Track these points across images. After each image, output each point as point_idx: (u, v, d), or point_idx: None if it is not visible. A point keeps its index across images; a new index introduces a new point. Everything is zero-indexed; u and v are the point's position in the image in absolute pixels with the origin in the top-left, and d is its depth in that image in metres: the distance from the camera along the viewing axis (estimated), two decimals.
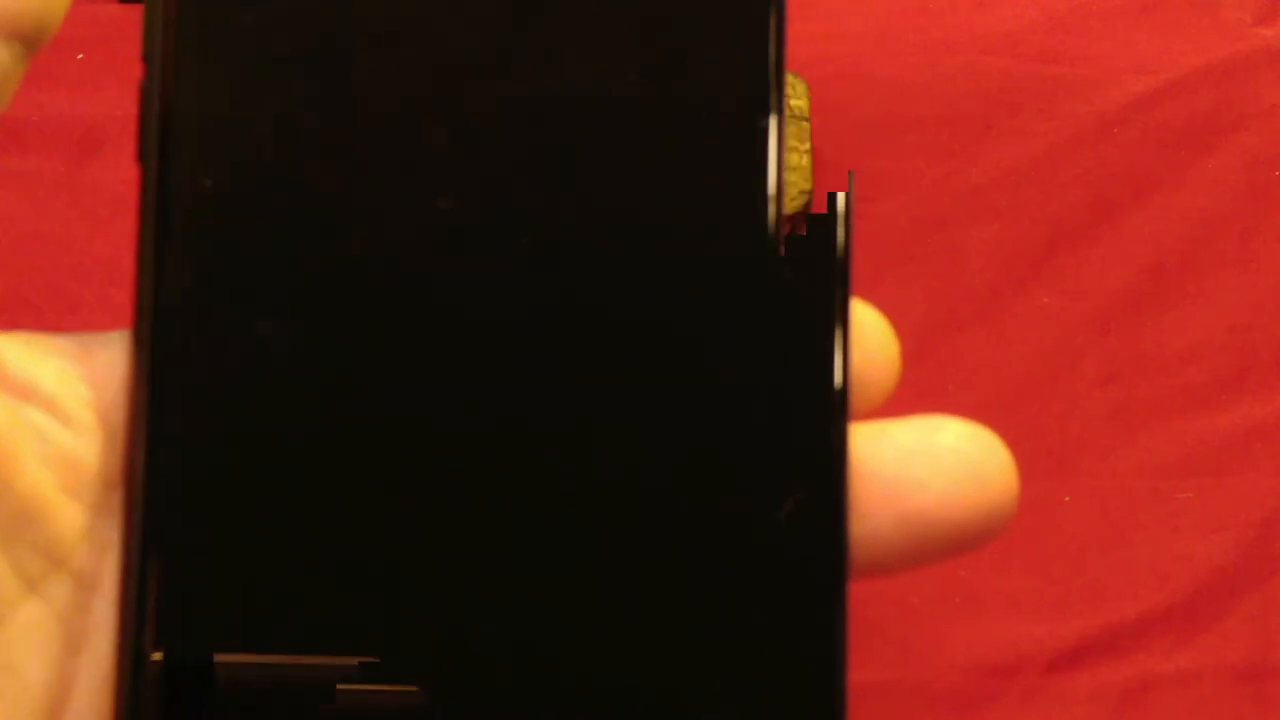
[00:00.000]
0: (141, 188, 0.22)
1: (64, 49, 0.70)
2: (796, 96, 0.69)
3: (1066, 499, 0.61)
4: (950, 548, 0.23)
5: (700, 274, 0.23)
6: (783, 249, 0.23)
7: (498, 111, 0.22)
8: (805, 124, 0.68)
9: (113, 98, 0.66)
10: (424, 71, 0.22)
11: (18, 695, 0.21)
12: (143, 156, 0.22)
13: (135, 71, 0.22)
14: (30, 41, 0.22)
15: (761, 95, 0.23)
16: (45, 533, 0.21)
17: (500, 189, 0.22)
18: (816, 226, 0.22)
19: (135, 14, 0.23)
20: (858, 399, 0.23)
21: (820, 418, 0.22)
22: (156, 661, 0.21)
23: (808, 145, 0.67)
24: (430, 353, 0.22)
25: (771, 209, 0.22)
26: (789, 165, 0.67)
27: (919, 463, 0.23)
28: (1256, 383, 0.64)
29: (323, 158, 0.22)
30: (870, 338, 0.23)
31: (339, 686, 0.22)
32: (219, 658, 0.22)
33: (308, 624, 0.22)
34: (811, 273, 0.22)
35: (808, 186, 0.66)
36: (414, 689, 0.22)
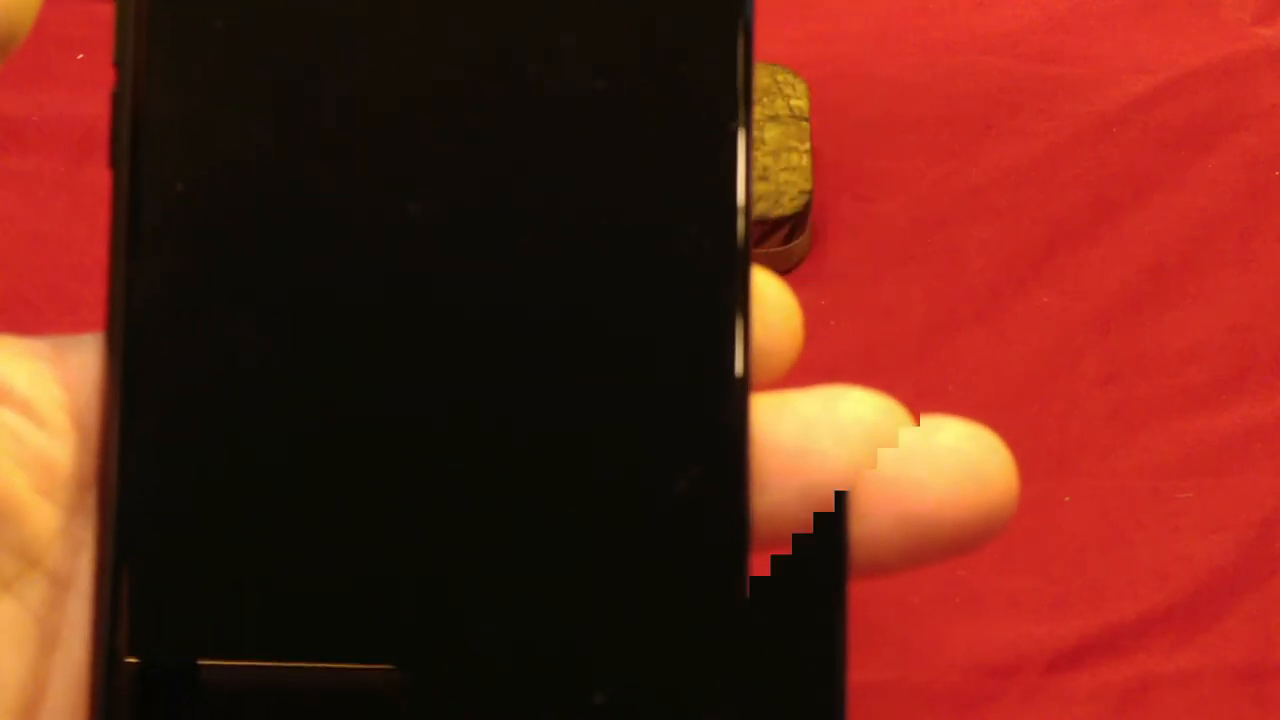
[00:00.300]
0: (113, 192, 0.22)
1: (64, 49, 0.70)
2: (796, 96, 0.69)
3: (1066, 499, 0.61)
4: (950, 548, 0.23)
5: (673, 279, 0.23)
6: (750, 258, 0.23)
7: (463, 115, 0.23)
8: (805, 124, 0.68)
9: None
10: (393, 74, 0.22)
11: None
12: (114, 162, 0.22)
13: None
14: (2, 49, 0.22)
15: (730, 105, 0.23)
16: (19, 533, 0.21)
17: (466, 193, 0.22)
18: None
19: None
20: (759, 370, 0.23)
21: (721, 387, 0.22)
22: (130, 664, 0.22)
23: (808, 145, 0.67)
24: (399, 352, 0.22)
25: (741, 221, 0.23)
26: (790, 165, 0.67)
27: (919, 463, 0.23)
28: (1256, 383, 0.64)
29: (294, 162, 0.22)
30: (771, 310, 0.23)
31: (312, 689, 0.22)
32: (193, 661, 0.22)
33: (281, 627, 0.22)
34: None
35: (808, 186, 0.66)
36: (387, 696, 0.22)
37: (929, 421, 0.23)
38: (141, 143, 0.22)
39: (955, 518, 0.22)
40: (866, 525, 0.22)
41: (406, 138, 0.23)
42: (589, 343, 0.22)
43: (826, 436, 0.22)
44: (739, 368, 0.22)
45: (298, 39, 0.23)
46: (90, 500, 0.22)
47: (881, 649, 0.57)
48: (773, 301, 0.23)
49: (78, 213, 0.66)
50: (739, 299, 0.23)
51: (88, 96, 0.68)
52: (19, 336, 0.23)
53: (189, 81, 0.22)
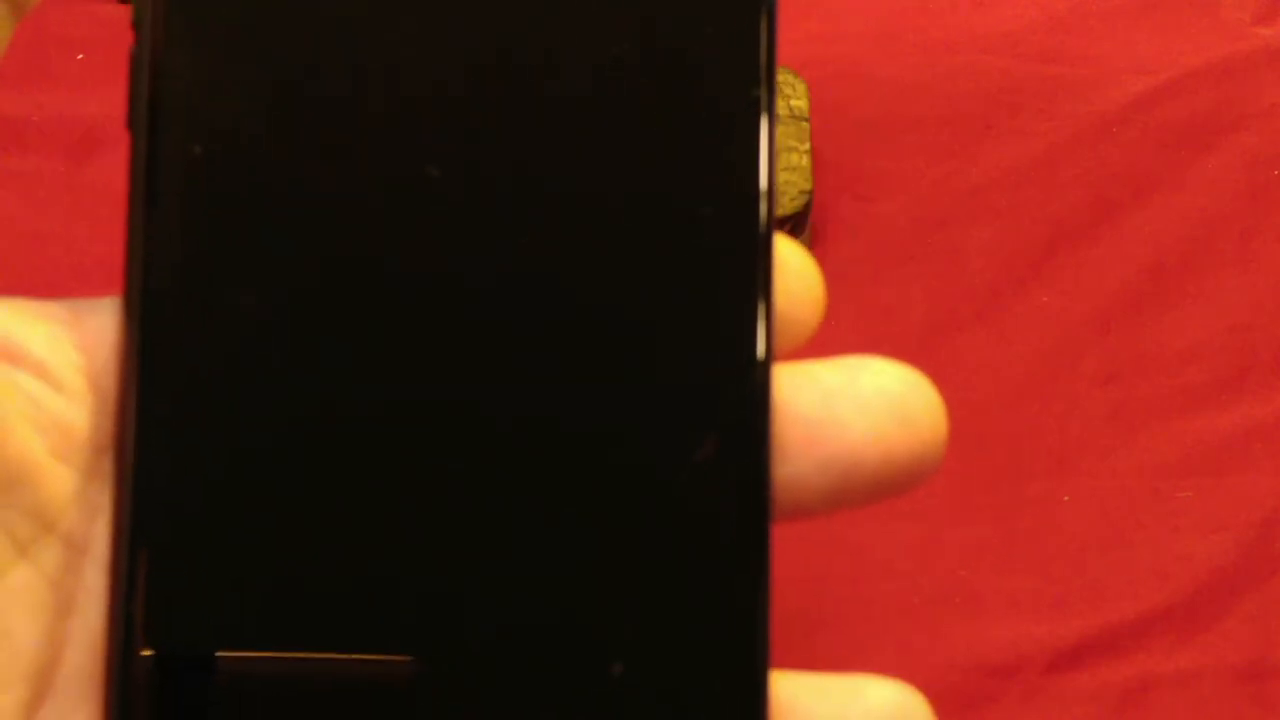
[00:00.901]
0: (131, 155, 0.22)
1: (64, 49, 0.70)
2: (796, 96, 0.69)
3: (1066, 499, 0.61)
4: (876, 490, 0.22)
5: (696, 247, 0.23)
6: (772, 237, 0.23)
7: (495, 83, 0.22)
8: (805, 124, 0.68)
9: (113, 98, 0.65)
10: (419, 39, 0.22)
11: (8, 658, 0.21)
12: (133, 123, 0.22)
13: None
14: (17, 6, 0.22)
15: (753, 87, 0.23)
16: (35, 497, 0.21)
17: (495, 159, 0.22)
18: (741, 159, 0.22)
19: None
20: (781, 338, 0.22)
21: (743, 359, 0.22)
22: (146, 657, 0.22)
23: (808, 145, 0.67)
24: (428, 320, 0.22)
25: (764, 189, 0.22)
26: (789, 165, 0.67)
27: (842, 403, 0.22)
28: (1256, 383, 0.64)
29: (315, 125, 0.22)
30: (793, 278, 0.23)
31: (332, 680, 0.22)
32: (208, 652, 0.22)
33: (301, 616, 0.22)
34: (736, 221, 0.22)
35: (808, 186, 0.66)
36: (398, 683, 0.22)
37: (852, 361, 0.22)
38: (161, 104, 0.22)
39: (879, 459, 0.22)
40: (788, 467, 0.22)
41: (435, 103, 0.22)
42: (612, 311, 0.22)
43: (848, 407, 0.22)
44: (761, 336, 0.22)
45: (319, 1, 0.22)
46: (107, 464, 0.22)
47: (881, 649, 0.57)
48: (795, 269, 0.23)
49: (78, 213, 0.66)
50: (761, 266, 0.22)
51: (88, 96, 0.68)
52: (36, 300, 0.23)
53: (207, 43, 0.22)
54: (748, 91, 0.23)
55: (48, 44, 0.69)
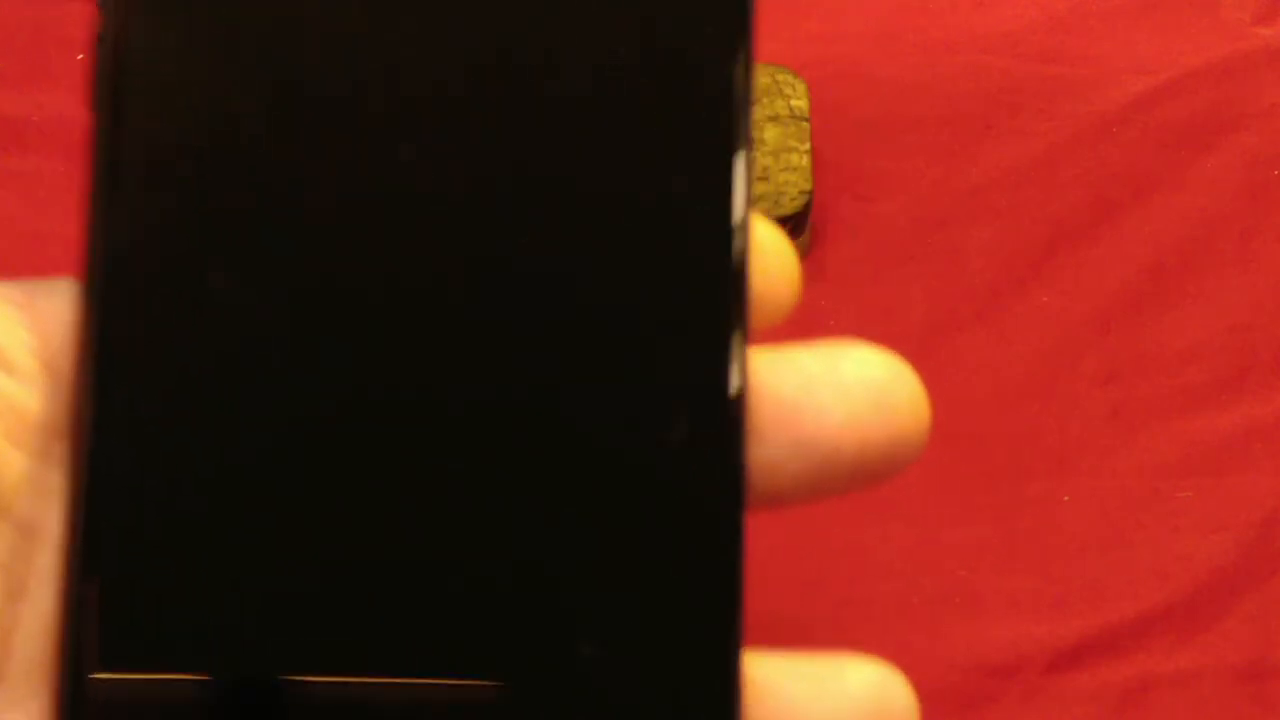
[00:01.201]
0: (93, 136, 0.22)
1: (64, 49, 0.70)
2: (796, 96, 0.69)
3: (1066, 499, 0.61)
4: (853, 478, 0.22)
5: (673, 223, 0.22)
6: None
7: (453, 87, 0.22)
8: (805, 124, 0.68)
9: None
10: (388, 29, 0.22)
11: None
12: (95, 104, 0.22)
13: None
14: None
15: (728, 49, 0.22)
16: None
17: (455, 161, 0.22)
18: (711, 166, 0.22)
19: None
20: (757, 316, 0.22)
21: (720, 340, 0.22)
22: (97, 680, 0.21)
23: (808, 145, 0.67)
24: (392, 309, 0.22)
25: (741, 166, 0.22)
26: (789, 165, 0.67)
27: (822, 389, 0.22)
28: (1256, 383, 0.64)
29: (281, 109, 0.22)
30: (767, 255, 0.23)
31: (293, 701, 0.21)
32: (162, 674, 0.21)
33: (257, 633, 0.21)
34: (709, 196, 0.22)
35: (808, 187, 0.66)
36: (357, 697, 0.21)
37: (834, 347, 0.22)
38: (123, 85, 0.22)
39: (857, 446, 0.22)
40: (765, 450, 0.22)
41: (401, 88, 0.22)
42: (585, 289, 0.22)
43: (828, 393, 0.22)
44: (738, 316, 0.22)
45: None
46: (59, 448, 0.22)
47: (881, 649, 0.57)
48: (769, 247, 0.23)
49: (78, 213, 0.66)
50: (738, 242, 0.22)
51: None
52: None
53: (174, 25, 0.22)
54: (720, 67, 0.22)
55: (48, 44, 0.69)
